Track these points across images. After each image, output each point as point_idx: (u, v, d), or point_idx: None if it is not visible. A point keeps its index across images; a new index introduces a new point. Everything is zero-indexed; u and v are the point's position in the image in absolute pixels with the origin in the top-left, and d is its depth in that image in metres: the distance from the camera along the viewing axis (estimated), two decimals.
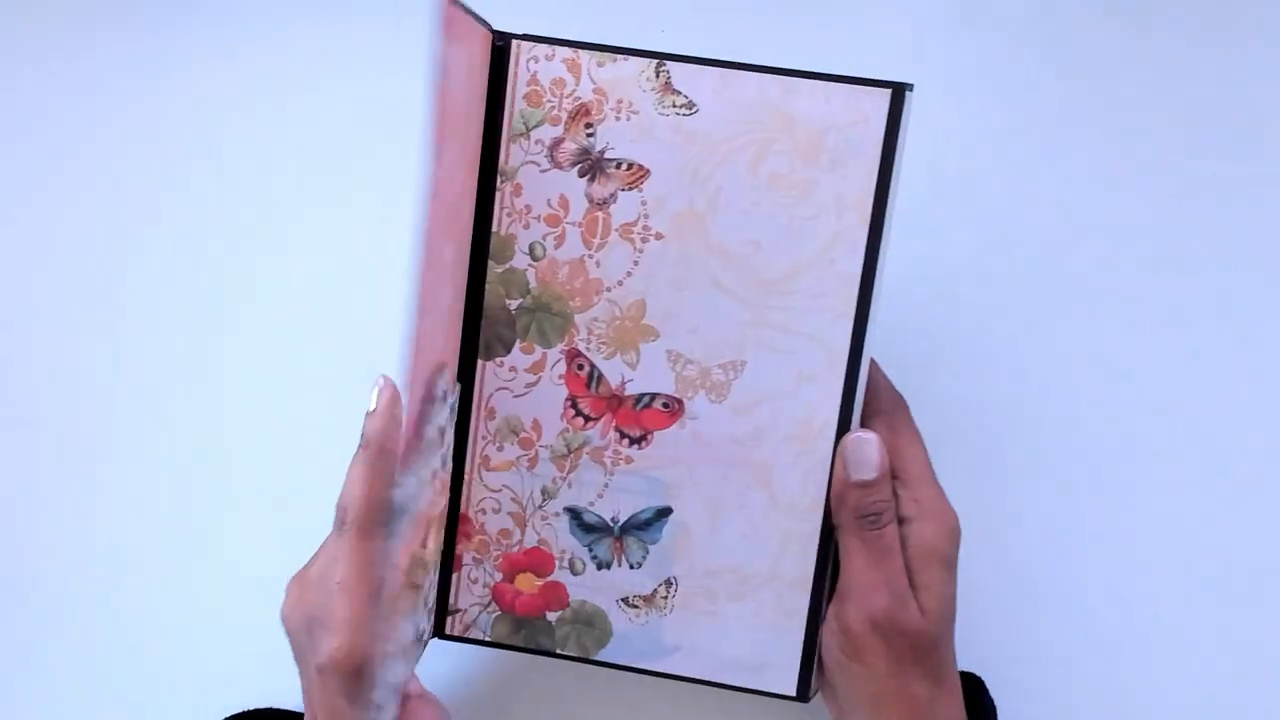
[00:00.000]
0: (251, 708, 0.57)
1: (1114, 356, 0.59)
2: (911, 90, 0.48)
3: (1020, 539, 0.59)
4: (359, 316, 0.61)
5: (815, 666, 0.52)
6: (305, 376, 0.61)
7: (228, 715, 0.57)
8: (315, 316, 0.61)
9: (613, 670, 0.53)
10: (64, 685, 0.62)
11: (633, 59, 0.49)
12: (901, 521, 0.50)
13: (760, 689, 0.52)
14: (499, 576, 0.53)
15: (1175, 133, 0.58)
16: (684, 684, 0.53)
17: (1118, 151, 0.59)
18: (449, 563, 0.53)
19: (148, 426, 0.62)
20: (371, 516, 0.46)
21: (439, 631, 0.54)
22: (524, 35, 0.51)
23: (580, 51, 0.50)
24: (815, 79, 0.48)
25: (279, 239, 0.62)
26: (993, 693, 0.55)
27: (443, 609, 0.53)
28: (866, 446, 0.49)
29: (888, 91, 0.47)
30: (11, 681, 0.62)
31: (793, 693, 0.52)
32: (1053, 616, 0.59)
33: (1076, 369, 0.59)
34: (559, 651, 0.53)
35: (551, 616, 0.53)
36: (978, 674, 0.56)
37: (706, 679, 0.52)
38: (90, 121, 0.62)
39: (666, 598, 0.52)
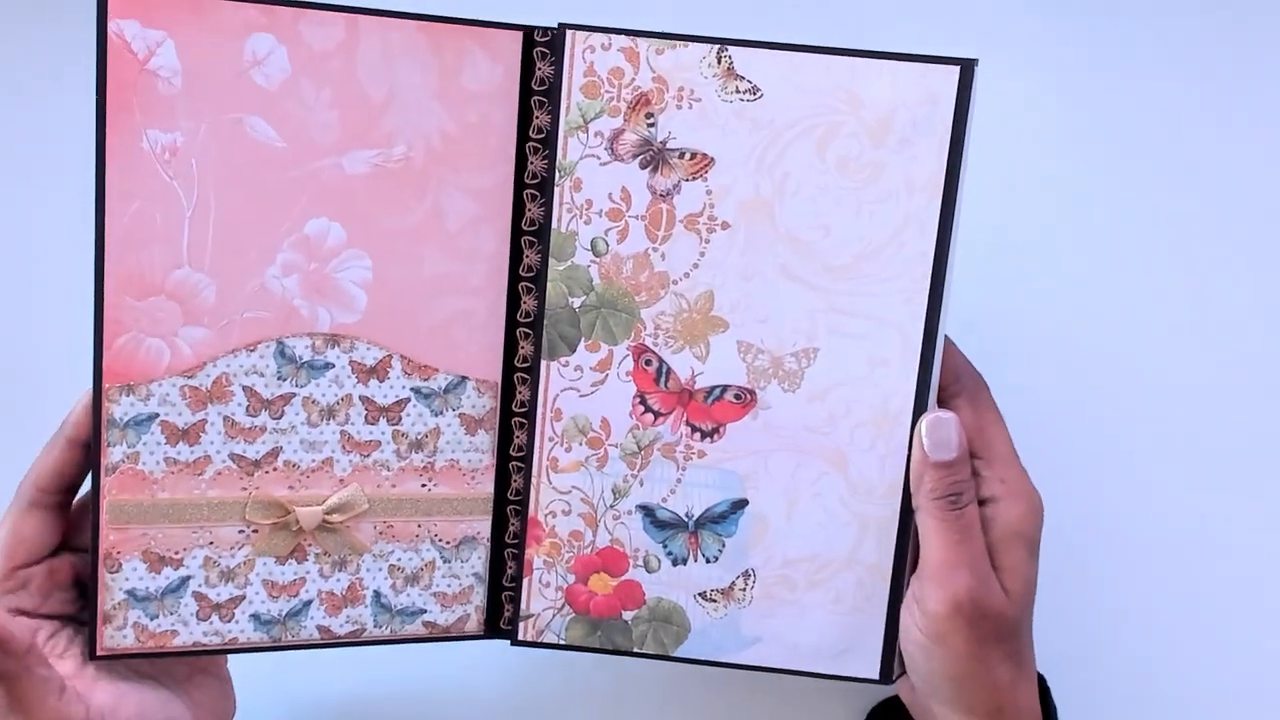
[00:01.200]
0: None
1: (1172, 347, 0.59)
2: (977, 66, 0.47)
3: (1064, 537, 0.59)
4: None
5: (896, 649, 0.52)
6: None
7: None
8: None
9: (689, 665, 0.53)
10: None
11: (693, 45, 0.48)
12: (986, 502, 0.50)
13: (843, 674, 0.52)
14: (572, 579, 0.52)
15: (1244, 118, 0.58)
16: (748, 675, 0.52)
17: (1182, 138, 0.58)
18: (520, 568, 0.52)
19: None
20: (26, 496, 0.48)
21: (511, 638, 0.53)
22: (579, 25, 0.49)
23: (638, 40, 0.49)
24: (882, 59, 0.47)
25: None
26: None
27: (514, 615, 0.53)
28: (945, 427, 0.49)
29: (956, 69, 0.47)
30: None
31: (876, 676, 0.51)
32: (1102, 618, 0.60)
33: (1132, 358, 0.59)
34: (637, 650, 0.52)
35: (628, 615, 0.52)
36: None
37: (788, 668, 0.52)
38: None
39: (745, 590, 0.52)
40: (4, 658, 0.45)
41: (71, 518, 0.50)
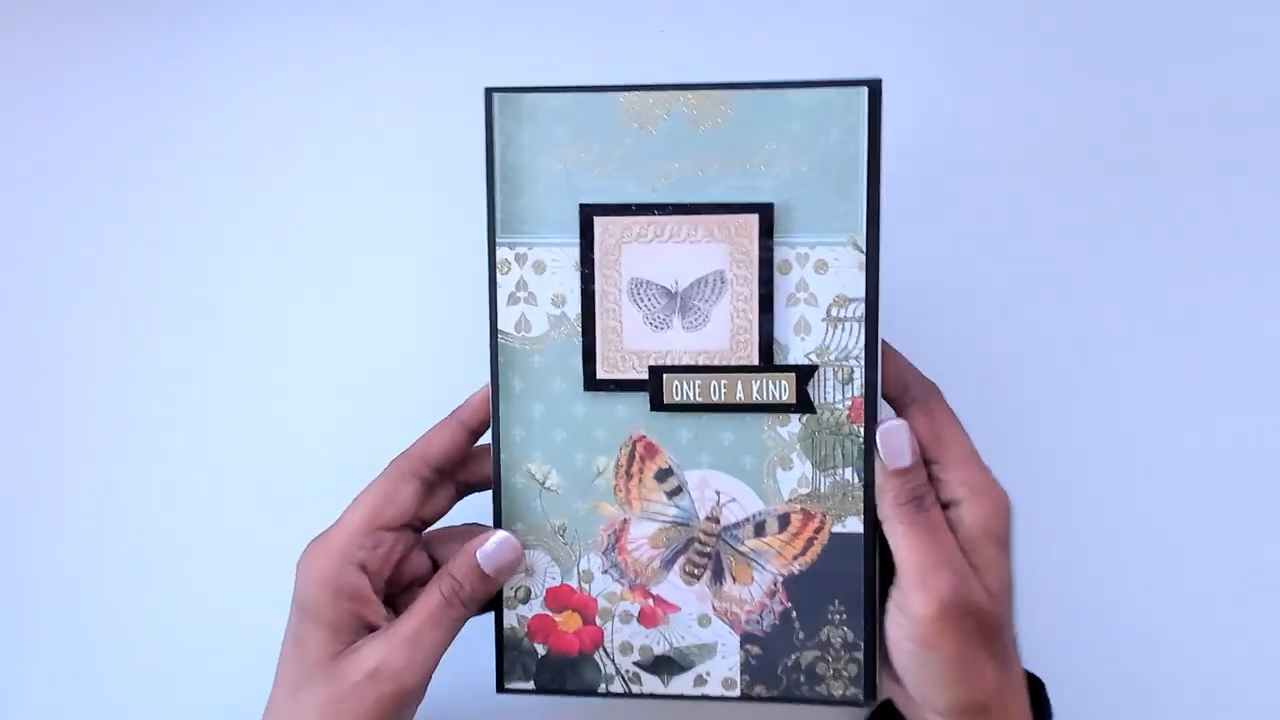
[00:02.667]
0: None
1: (1099, 351, 0.60)
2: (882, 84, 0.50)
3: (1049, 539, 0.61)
4: (368, 330, 0.59)
5: (879, 666, 0.52)
6: (312, 379, 0.60)
7: None
8: (330, 324, 0.60)
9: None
10: (69, 687, 0.60)
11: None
12: (951, 504, 0.50)
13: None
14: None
15: (1162, 127, 0.59)
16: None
17: (1102, 148, 0.60)
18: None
19: (158, 428, 0.61)
20: (409, 465, 0.52)
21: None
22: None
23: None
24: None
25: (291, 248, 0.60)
26: None
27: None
28: (897, 434, 0.49)
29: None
30: (17, 682, 0.60)
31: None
32: (1092, 618, 0.61)
33: (1067, 365, 0.60)
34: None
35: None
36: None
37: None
38: (119, 127, 0.59)
39: None
40: (349, 602, 0.49)
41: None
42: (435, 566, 0.54)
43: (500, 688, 0.54)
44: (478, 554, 0.51)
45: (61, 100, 0.58)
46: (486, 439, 0.54)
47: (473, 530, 0.54)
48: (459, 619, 0.51)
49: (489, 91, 0.51)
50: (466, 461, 0.54)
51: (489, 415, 0.53)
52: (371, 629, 0.50)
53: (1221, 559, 0.60)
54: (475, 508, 0.56)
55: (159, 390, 0.60)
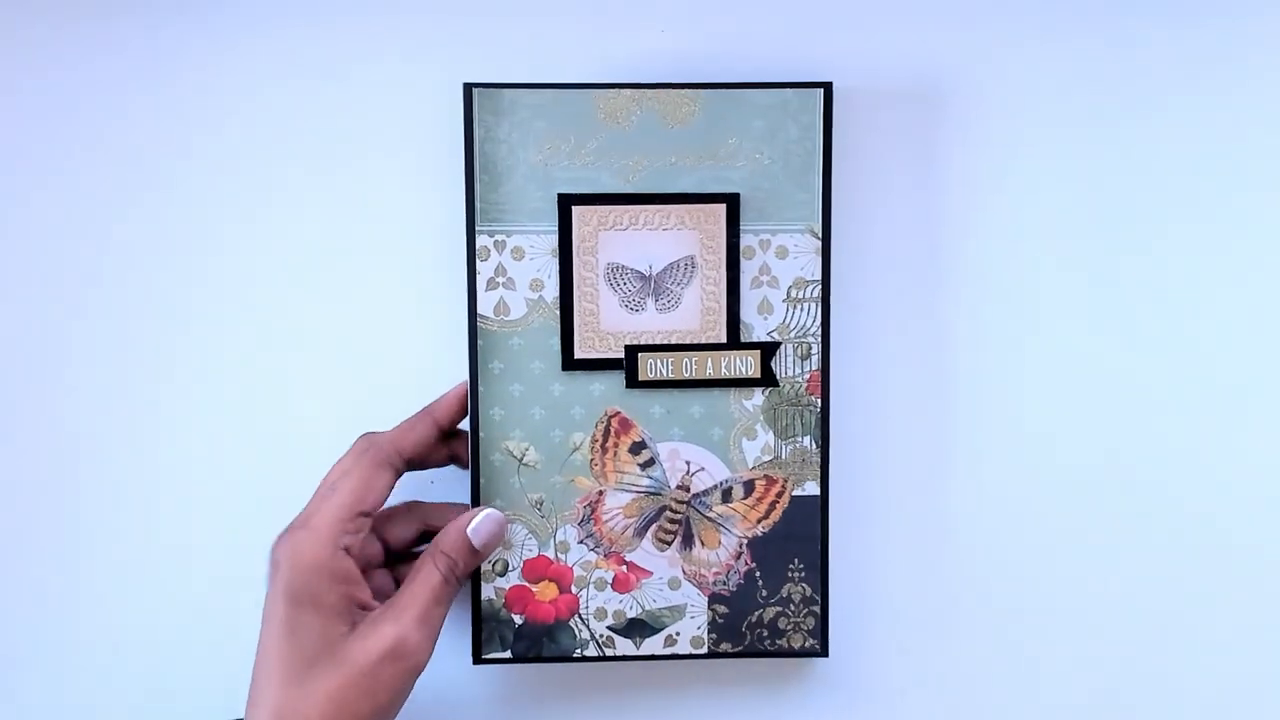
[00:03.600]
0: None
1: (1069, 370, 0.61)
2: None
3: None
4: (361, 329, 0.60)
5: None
6: (302, 377, 0.60)
7: None
8: (314, 323, 0.60)
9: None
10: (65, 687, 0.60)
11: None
12: None
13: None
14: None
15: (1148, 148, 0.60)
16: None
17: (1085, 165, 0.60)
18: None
19: (156, 430, 0.60)
20: (384, 455, 0.53)
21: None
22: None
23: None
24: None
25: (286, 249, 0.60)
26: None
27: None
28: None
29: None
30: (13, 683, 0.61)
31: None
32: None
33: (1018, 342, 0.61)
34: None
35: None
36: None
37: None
38: (111, 123, 0.59)
39: None
40: (343, 585, 0.51)
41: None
42: (385, 549, 0.56)
43: (477, 659, 0.57)
44: (468, 530, 0.54)
45: (52, 103, 0.59)
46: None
47: (413, 506, 0.57)
48: (454, 594, 0.53)
49: (468, 87, 0.55)
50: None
51: (461, 414, 0.56)
52: (362, 609, 0.52)
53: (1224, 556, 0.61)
54: (408, 489, 0.59)
55: (136, 375, 0.60)
